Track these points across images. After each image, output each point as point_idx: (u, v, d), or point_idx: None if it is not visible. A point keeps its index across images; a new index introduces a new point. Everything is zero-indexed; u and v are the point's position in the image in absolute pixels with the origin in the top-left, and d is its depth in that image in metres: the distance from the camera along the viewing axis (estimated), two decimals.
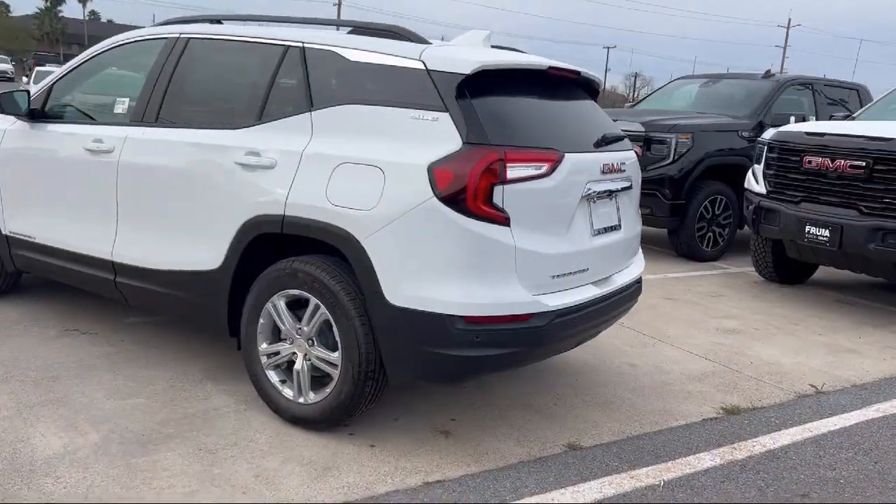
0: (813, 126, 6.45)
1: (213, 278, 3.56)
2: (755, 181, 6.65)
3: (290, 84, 3.48)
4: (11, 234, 4.49)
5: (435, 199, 2.94)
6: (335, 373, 3.24)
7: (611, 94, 70.27)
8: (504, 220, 2.98)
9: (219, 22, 4.01)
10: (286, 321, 3.37)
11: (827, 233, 5.88)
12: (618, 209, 3.67)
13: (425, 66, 3.14)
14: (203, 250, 3.58)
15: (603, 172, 3.45)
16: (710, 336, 5.26)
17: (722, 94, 8.91)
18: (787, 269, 7.01)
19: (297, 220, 3.23)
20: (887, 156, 5.62)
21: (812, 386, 4.41)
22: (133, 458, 3.04)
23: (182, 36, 3.93)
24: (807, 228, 6.02)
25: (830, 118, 7.85)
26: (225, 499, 2.80)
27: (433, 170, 2.96)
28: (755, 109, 8.31)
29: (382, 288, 3.03)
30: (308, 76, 3.41)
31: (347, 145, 3.18)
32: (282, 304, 3.37)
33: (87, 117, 4.38)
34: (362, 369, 3.15)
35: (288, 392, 3.42)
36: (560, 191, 3.18)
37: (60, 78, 4.40)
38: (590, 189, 3.35)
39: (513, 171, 2.99)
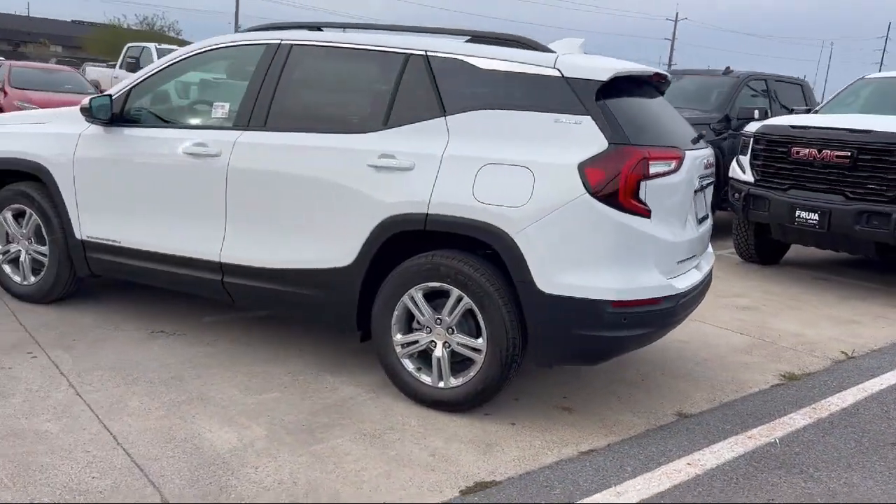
0: (797, 119, 7.09)
1: (343, 275, 3.74)
2: (741, 170, 7.25)
3: (417, 90, 3.68)
4: (89, 239, 4.48)
5: (587, 195, 3.25)
6: (479, 357, 3.50)
7: None
8: (647, 213, 3.33)
9: (319, 29, 4.15)
10: (425, 312, 3.60)
11: (816, 216, 6.52)
12: (706, 200, 4.08)
13: (561, 73, 3.44)
14: (332, 248, 3.75)
15: (705, 168, 3.85)
16: (732, 313, 5.78)
17: (687, 89, 9.53)
18: (767, 250, 7.67)
19: (442, 218, 3.47)
20: (869, 146, 6.29)
21: (843, 353, 4.98)
22: (310, 446, 3.22)
23: (284, 42, 4.05)
24: (796, 213, 6.64)
25: (792, 111, 8.59)
26: (418, 476, 3.03)
27: (584, 169, 3.26)
28: (721, 104, 8.97)
29: (534, 278, 3.32)
30: (437, 83, 3.64)
31: (489, 147, 3.44)
32: (420, 297, 3.60)
33: (175, 121, 4.43)
34: (508, 353, 3.43)
35: (425, 378, 3.65)
36: (683, 185, 3.56)
37: (140, 82, 4.41)
38: (699, 183, 3.75)
39: (653, 168, 3.34)
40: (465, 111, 3.55)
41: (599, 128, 3.32)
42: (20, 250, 4.82)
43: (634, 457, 3.31)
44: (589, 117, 3.34)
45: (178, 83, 4.54)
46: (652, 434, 3.56)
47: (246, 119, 4.03)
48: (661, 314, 3.45)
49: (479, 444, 3.35)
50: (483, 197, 3.39)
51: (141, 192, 4.28)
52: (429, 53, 3.71)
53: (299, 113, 4.00)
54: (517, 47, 3.66)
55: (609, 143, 3.29)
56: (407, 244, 3.67)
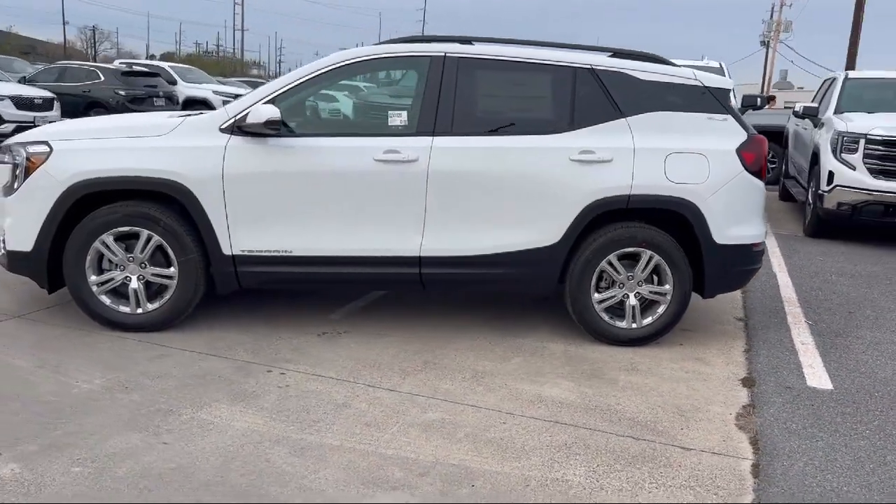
0: None
1: (550, 251, 4.53)
2: None
3: (593, 97, 4.59)
4: (245, 253, 4.42)
5: (745, 171, 4.63)
6: (664, 300, 4.67)
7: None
8: (765, 180, 4.83)
9: (469, 42, 4.70)
10: (621, 271, 4.63)
11: None
12: None
13: (703, 83, 4.70)
14: (539, 231, 4.51)
15: None
16: None
17: None
18: None
19: (643, 197, 4.52)
20: None
21: None
22: (615, 385, 4.11)
23: (449, 55, 4.56)
24: None
25: None
26: (707, 386, 4.16)
27: (741, 152, 4.62)
28: None
29: (712, 234, 4.60)
30: (608, 91, 4.61)
31: (668, 140, 4.57)
32: (614, 259, 4.61)
33: (341, 129, 4.59)
34: (688, 293, 4.68)
35: (620, 323, 4.69)
36: None
37: (281, 93, 4.45)
38: None
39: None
40: (640, 113, 4.60)
41: (738, 123, 4.69)
42: (128, 277, 4.44)
43: (775, 346, 4.85)
44: (730, 116, 4.69)
45: (328, 93, 4.64)
46: (754, 335, 5.12)
47: (430, 125, 4.47)
48: (762, 252, 4.99)
49: (692, 359, 4.56)
50: (674, 178, 4.53)
51: (321, 201, 4.41)
52: (594, 67, 4.64)
53: (484, 118, 4.60)
54: (652, 62, 4.79)
55: (748, 134, 4.69)
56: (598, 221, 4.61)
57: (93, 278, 4.42)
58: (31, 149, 4.38)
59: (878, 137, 8.09)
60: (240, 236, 4.41)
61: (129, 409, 3.51)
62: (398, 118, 4.54)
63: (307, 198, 4.41)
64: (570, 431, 3.52)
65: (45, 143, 4.39)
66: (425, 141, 4.44)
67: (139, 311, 4.47)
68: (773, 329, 5.23)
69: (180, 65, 21.18)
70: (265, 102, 4.40)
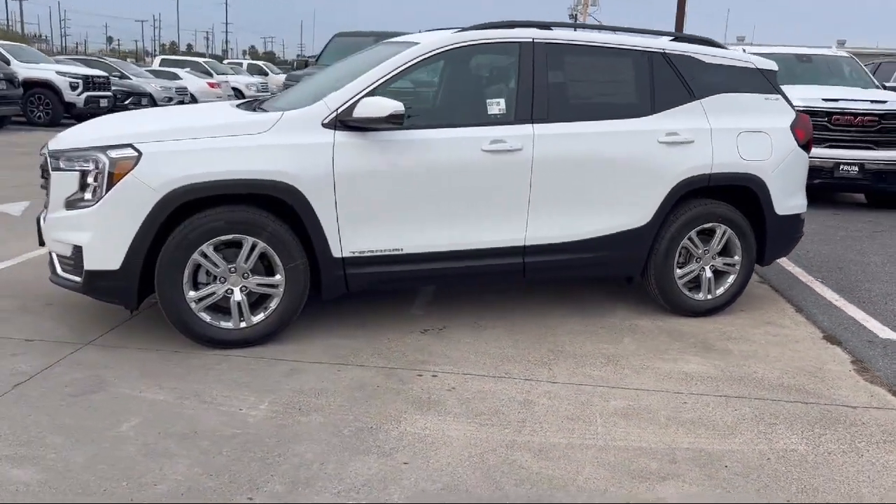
0: None
1: (641, 232, 4.70)
2: None
3: (668, 80, 4.77)
4: (355, 255, 4.20)
5: (798, 147, 5.03)
6: (733, 270, 5.00)
7: None
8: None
9: (548, 27, 4.69)
10: (700, 247, 4.89)
11: None
12: None
13: (755, 65, 5.03)
14: (634, 213, 4.66)
15: None
16: None
17: None
18: None
19: (721, 175, 4.79)
20: None
21: None
22: (728, 356, 4.37)
23: (537, 41, 4.55)
24: None
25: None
26: (802, 346, 4.53)
27: (794, 129, 5.01)
28: None
29: (774, 206, 4.97)
30: (680, 74, 4.81)
31: (736, 120, 4.87)
32: (694, 235, 4.86)
33: (441, 120, 4.39)
34: (753, 262, 5.04)
35: (698, 296, 4.96)
36: None
37: (381, 83, 4.24)
38: None
39: None
40: (710, 95, 4.85)
41: (787, 103, 5.07)
42: (230, 289, 4.08)
43: (818, 305, 5.34)
44: (780, 96, 5.06)
45: (424, 80, 4.44)
46: (791, 296, 5.59)
47: (528, 113, 4.45)
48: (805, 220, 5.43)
49: (764, 324, 4.93)
50: (745, 156, 4.83)
51: (431, 195, 4.27)
52: (666, 51, 4.81)
53: (574, 104, 4.64)
54: (707, 45, 5.04)
55: (796, 113, 5.08)
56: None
57: (191, 294, 4.01)
58: (115, 154, 3.87)
59: (798, 108, 8.93)
60: (350, 237, 4.18)
61: (328, 431, 3.27)
62: (496, 106, 4.47)
63: (417, 193, 4.26)
64: (745, 403, 3.72)
65: (131, 146, 3.89)
66: (526, 129, 4.42)
67: (242, 324, 4.12)
68: (799, 289, 5.74)
69: (9, 42, 18.83)
70: (367, 94, 4.17)
